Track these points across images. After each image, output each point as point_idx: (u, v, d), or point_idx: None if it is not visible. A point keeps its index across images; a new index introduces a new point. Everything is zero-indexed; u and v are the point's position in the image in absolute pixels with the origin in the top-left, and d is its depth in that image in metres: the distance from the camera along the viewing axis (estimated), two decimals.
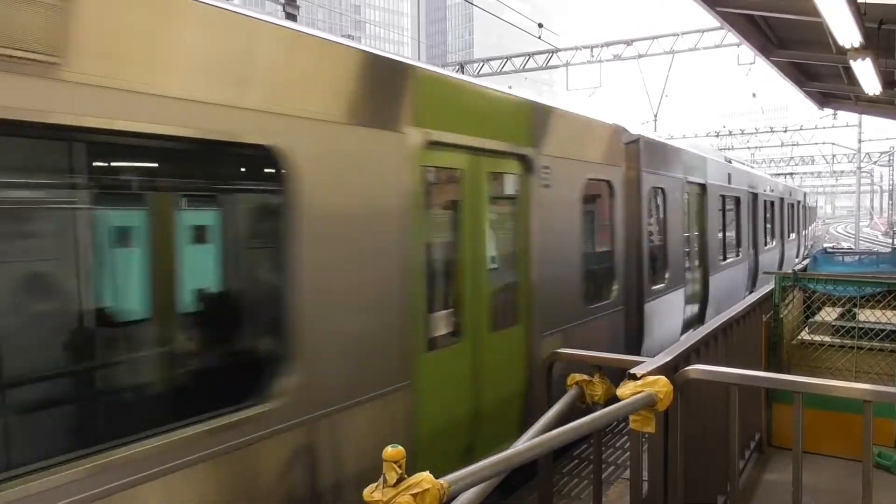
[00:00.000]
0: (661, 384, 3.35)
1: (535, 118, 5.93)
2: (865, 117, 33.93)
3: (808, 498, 3.52)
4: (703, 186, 10.44)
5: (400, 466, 2.18)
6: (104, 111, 2.76)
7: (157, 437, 2.91)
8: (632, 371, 3.48)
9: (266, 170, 3.59)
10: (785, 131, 46.80)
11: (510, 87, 5.79)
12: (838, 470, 5.10)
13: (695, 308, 10.15)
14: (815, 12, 6.85)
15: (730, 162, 13.44)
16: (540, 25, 21.14)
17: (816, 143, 49.46)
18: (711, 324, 4.76)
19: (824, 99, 15.35)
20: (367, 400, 4.01)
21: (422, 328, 4.53)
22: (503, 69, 26.00)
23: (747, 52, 16.34)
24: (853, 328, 6.10)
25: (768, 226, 16.29)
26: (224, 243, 3.77)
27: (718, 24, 10.26)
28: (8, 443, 2.70)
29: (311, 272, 3.65)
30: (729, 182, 12.04)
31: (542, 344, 5.79)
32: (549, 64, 25.09)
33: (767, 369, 5.87)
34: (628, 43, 23.24)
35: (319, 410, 3.68)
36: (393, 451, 2.19)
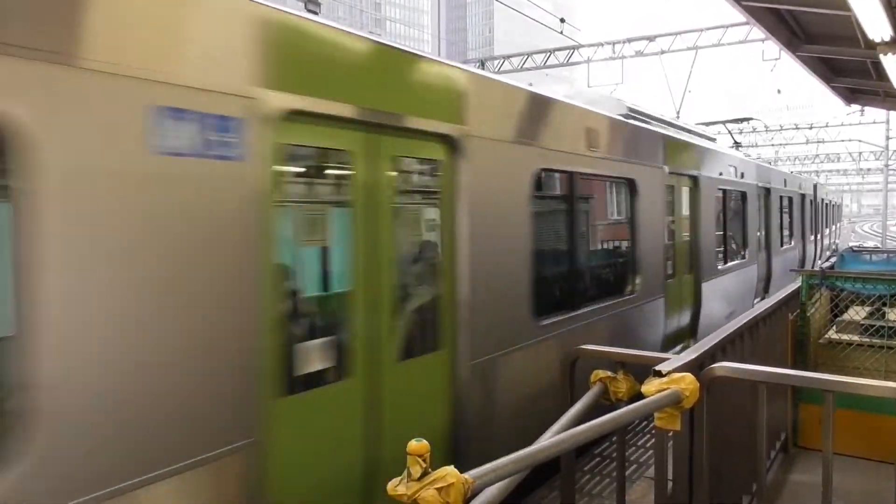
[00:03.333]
0: (688, 381, 3.29)
1: (699, 152, 9.72)
2: (894, 113, 33.29)
3: (836, 500, 3.45)
4: (768, 190, 13.81)
5: (424, 460, 2.16)
6: (600, 168, 6.67)
7: (605, 301, 6.81)
8: (657, 368, 3.43)
9: (631, 191, 7.45)
10: (810, 128, 46.09)
11: (531, 84, 6.51)
12: (867, 472, 5.00)
13: (763, 280, 13.79)
14: (844, 6, 6.73)
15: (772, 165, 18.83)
16: (562, 20, 21.00)
17: (843, 141, 48.64)
18: (737, 321, 4.69)
19: (852, 95, 15.06)
20: (646, 302, 7.71)
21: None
22: (524, 66, 25.89)
23: (772, 47, 16.10)
24: (882, 327, 5.99)
25: (810, 221, 20.68)
26: (627, 228, 7.55)
27: (743, 20, 10.11)
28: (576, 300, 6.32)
29: (643, 240, 7.59)
30: (785, 185, 15.82)
31: (705, 286, 9.69)
32: (571, 60, 24.94)
33: (794, 368, 5.78)
34: (651, 39, 23.03)
35: (643, 301, 7.59)
36: (417, 444, 2.17)
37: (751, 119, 25.91)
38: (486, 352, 4.75)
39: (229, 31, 3.10)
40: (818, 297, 6.48)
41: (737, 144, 20.68)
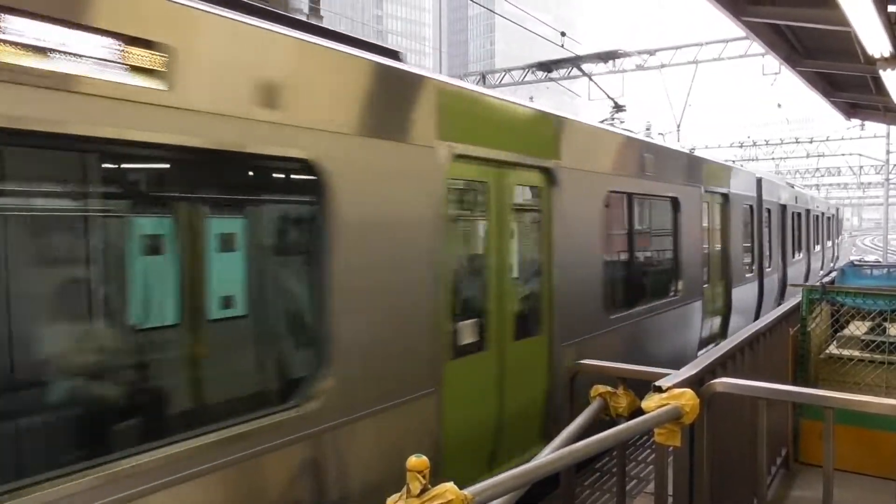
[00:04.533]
0: (688, 397, 3.29)
1: (759, 183, 12.91)
2: (894, 128, 33.39)
3: None
4: (808, 210, 17.85)
5: (424, 476, 2.16)
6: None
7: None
8: (657, 383, 3.43)
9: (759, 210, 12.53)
10: (811, 142, 46.23)
11: (531, 98, 6.66)
12: (868, 488, 4.98)
13: (807, 269, 17.96)
14: (843, 21, 6.76)
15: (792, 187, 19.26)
16: (563, 34, 21.12)
17: (843, 154, 48.77)
18: (737, 337, 4.69)
19: (852, 109, 15.12)
20: (773, 274, 13.69)
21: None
22: (525, 79, 25.99)
23: (772, 61, 16.19)
24: (883, 343, 5.98)
25: (829, 231, 24.08)
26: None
27: (743, 34, 10.19)
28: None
29: (772, 241, 13.50)
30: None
31: (787, 270, 14.74)
32: (571, 74, 25.05)
33: (794, 384, 5.76)
34: (651, 53, 23.15)
35: (773, 274, 13.57)
36: (417, 460, 2.17)
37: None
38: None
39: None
40: (819, 311, 6.47)
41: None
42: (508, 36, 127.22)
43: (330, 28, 4.39)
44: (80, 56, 2.66)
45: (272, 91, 3.40)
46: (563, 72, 24.93)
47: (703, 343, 9.50)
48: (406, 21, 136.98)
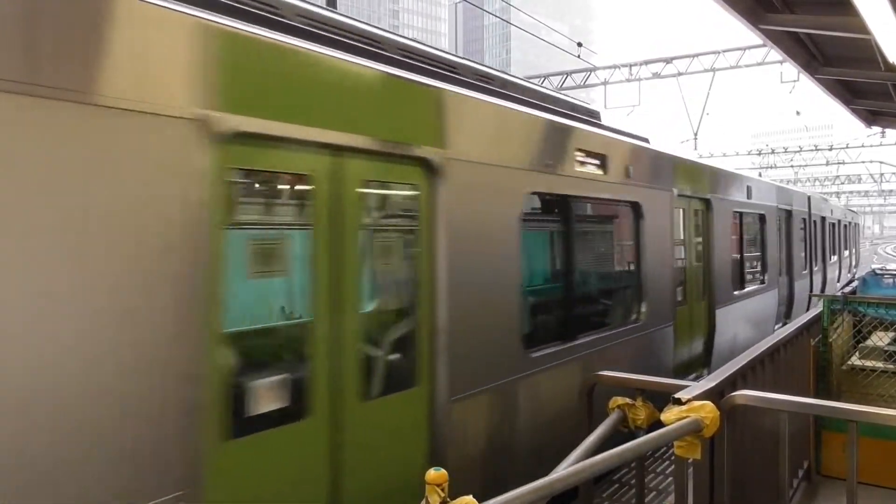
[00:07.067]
0: (708, 410, 3.27)
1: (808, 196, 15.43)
2: None
3: None
4: (833, 220, 19.00)
5: (443, 490, 2.16)
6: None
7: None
8: (676, 396, 3.40)
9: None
10: (830, 149, 45.80)
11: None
12: (893, 501, 4.90)
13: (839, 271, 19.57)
14: (863, 29, 6.70)
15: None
16: (579, 45, 21.13)
17: (863, 162, 48.25)
18: (757, 348, 4.64)
19: (872, 117, 14.96)
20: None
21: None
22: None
23: (791, 69, 16.09)
24: None
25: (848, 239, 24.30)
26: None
27: (761, 42, 10.14)
28: None
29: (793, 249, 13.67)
30: (831, 214, 19.05)
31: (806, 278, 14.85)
32: (588, 82, 25.06)
33: (816, 395, 5.69)
34: (668, 61, 23.10)
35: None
36: (436, 474, 2.17)
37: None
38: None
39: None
40: (840, 322, 6.39)
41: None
42: (525, 45, 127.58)
43: None
44: None
45: None
46: (577, 80, 24.96)
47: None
48: (421, 31, 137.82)
